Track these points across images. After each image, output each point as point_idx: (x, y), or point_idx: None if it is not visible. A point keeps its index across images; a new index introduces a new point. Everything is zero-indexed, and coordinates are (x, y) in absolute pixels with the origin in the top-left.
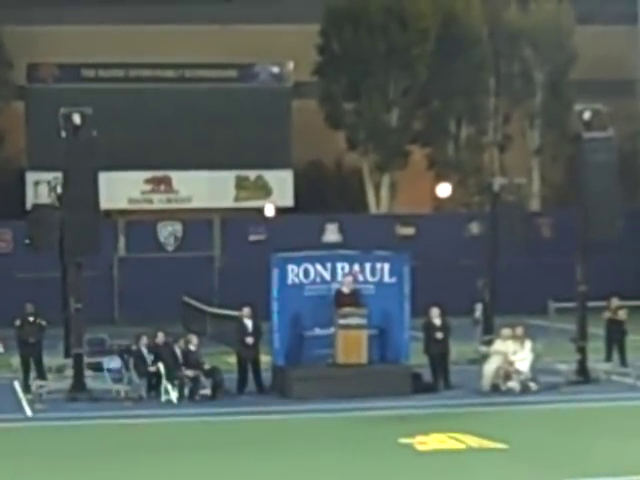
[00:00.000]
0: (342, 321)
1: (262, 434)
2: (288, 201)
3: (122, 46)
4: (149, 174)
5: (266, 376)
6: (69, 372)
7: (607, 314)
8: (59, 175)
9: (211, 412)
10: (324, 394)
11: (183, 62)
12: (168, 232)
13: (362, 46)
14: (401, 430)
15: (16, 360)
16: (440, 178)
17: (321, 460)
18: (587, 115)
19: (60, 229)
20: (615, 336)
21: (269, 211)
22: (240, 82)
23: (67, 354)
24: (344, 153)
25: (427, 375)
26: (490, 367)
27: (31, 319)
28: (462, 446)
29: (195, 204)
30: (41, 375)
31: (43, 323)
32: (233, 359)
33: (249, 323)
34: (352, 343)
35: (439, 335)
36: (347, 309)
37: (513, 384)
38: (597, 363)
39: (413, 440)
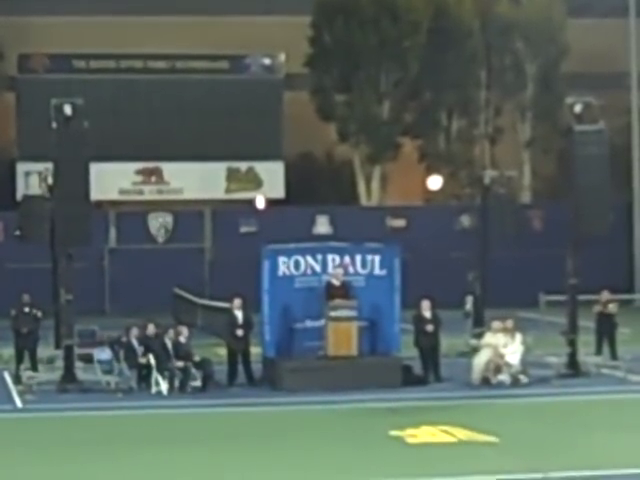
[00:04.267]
0: (332, 313)
1: (252, 426)
2: (279, 193)
3: (113, 37)
4: (140, 165)
5: (256, 368)
6: (59, 363)
7: (597, 307)
8: (50, 166)
9: (201, 404)
10: (314, 386)
11: (174, 53)
12: (159, 223)
13: (353, 38)
14: (391, 423)
15: (6, 351)
16: (431, 170)
17: (311, 452)
18: (578, 108)
19: (51, 220)
20: (605, 329)
21: (260, 203)
22: (231, 74)
23: (57, 345)
24: (335, 145)
25: (417, 368)
26: (480, 360)
27: (26, 309)
28: (452, 439)
29: (186, 195)
30: (34, 366)
31: (39, 314)
32: (223, 351)
33: (239, 315)
34: (342, 335)
35: (429, 328)
36: (337, 301)
37: (503, 377)
38: (587, 356)
39: (403, 433)
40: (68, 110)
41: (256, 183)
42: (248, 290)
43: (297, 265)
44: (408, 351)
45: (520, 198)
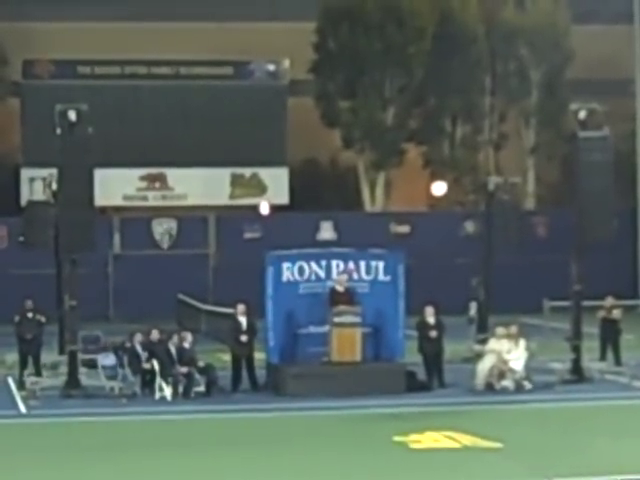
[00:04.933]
0: (336, 319)
1: (256, 432)
2: (283, 199)
3: (118, 43)
4: (144, 171)
5: (260, 374)
6: (63, 369)
7: (601, 313)
8: (54, 172)
9: (205, 409)
10: (318, 392)
11: (179, 59)
12: (163, 229)
13: (358, 44)
14: (395, 428)
15: (10, 357)
16: (435, 176)
17: (315, 458)
18: (583, 114)
19: (55, 226)
20: (609, 335)
21: (264, 209)
22: (236, 80)
23: (62, 351)
24: (339, 151)
25: (421, 373)
26: (484, 366)
27: (30, 315)
28: (456, 445)
29: (190, 201)
30: (37, 372)
31: (42, 319)
32: (227, 356)
33: (243, 320)
34: (346, 341)
35: (433, 334)
36: (342, 307)
37: (507, 383)
38: (591, 362)
39: (407, 438)
40: (72, 116)
41: (260, 189)
42: (252, 296)
43: (301, 271)
44: (412, 357)
45: (524, 204)
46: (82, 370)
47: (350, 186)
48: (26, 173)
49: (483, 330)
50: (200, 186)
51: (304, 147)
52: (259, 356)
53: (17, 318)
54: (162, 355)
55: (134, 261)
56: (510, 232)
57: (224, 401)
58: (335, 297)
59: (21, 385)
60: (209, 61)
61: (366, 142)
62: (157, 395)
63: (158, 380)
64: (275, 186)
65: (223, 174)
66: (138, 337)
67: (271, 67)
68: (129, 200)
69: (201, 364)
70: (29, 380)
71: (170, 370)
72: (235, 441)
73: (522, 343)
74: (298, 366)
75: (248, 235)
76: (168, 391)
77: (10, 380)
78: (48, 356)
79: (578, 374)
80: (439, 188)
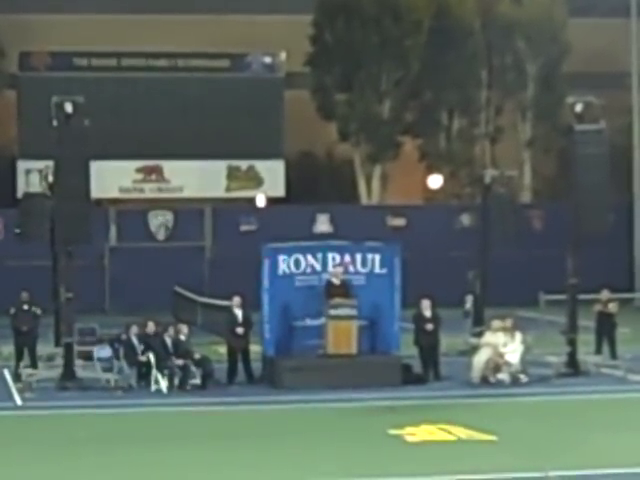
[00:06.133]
0: (332, 312)
1: (252, 424)
2: (279, 191)
3: (115, 35)
4: (140, 163)
5: (256, 366)
6: (59, 361)
7: (597, 307)
8: (50, 164)
9: (201, 402)
10: (314, 384)
11: (176, 51)
12: (159, 222)
13: (355, 37)
14: (391, 421)
15: (6, 349)
16: (431, 170)
17: (311, 451)
18: (579, 108)
19: (51, 218)
20: (605, 329)
21: (260, 201)
22: (232, 72)
23: (57, 343)
24: (336, 144)
25: (417, 366)
26: (480, 359)
27: (25, 307)
28: (452, 437)
29: (186, 194)
30: (33, 364)
31: (38, 312)
32: (223, 349)
33: (239, 313)
34: (342, 334)
35: (429, 326)
36: (337, 300)
37: (503, 376)
38: (587, 355)
39: (403, 431)
40: (69, 108)
41: (256, 181)
42: (248, 288)
43: (297, 264)
44: (408, 350)
45: (520, 197)
46: (78, 362)
47: (346, 179)
48: (22, 165)
49: (479, 323)
50: (196, 178)
51: (300, 140)
52: (255, 349)
53: (13, 310)
54: (158, 347)
55: (130, 253)
56: (506, 225)
57: (220, 394)
58: (331, 290)
59: (17, 377)
60: (206, 53)
61: (362, 135)
62: (153, 387)
63: (154, 372)
64: (271, 179)
65: (219, 166)
66: (134, 329)
67: (268, 60)
68: (125, 192)
69: (197, 356)
70: (25, 372)
71: (166, 362)
72: (231, 434)
73: (518, 336)
74: (294, 359)
75: (244, 228)
76: (164, 383)
77: (6, 372)
78: (44, 348)
79: (574, 367)
80: (435, 181)
